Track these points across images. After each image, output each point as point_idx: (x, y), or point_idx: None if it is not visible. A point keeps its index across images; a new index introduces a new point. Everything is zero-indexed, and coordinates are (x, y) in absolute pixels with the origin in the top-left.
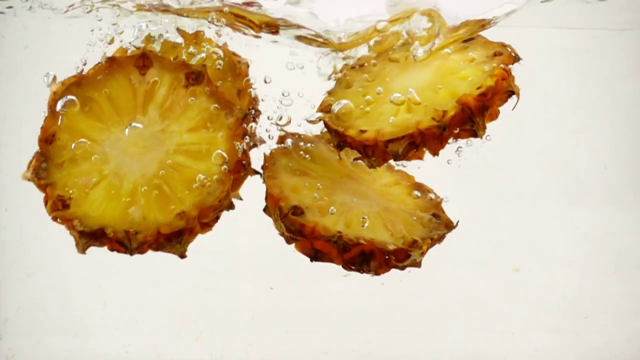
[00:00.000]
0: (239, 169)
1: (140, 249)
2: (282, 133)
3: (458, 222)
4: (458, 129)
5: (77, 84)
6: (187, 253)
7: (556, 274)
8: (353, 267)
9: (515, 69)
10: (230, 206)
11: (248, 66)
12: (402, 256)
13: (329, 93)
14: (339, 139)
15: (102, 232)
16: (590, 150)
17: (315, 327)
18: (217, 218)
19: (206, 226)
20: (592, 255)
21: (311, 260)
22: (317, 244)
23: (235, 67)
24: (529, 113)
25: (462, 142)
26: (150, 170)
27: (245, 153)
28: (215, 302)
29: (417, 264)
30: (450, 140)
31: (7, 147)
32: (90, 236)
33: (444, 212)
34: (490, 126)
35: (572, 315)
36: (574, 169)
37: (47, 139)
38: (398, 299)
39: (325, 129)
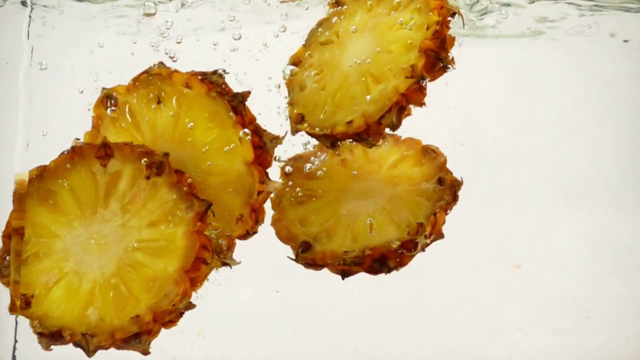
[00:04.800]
0: (198, 267)
1: (100, 348)
2: (282, 163)
3: (462, 179)
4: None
5: (40, 177)
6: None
7: (557, 274)
8: (378, 272)
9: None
10: (189, 307)
11: (269, 194)
12: (410, 246)
13: (289, 104)
14: (330, 140)
15: (60, 334)
16: (590, 150)
17: (316, 326)
18: (181, 314)
19: (169, 323)
20: (592, 255)
21: (342, 279)
22: (337, 266)
23: (253, 195)
24: (530, 113)
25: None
26: (109, 269)
27: (206, 249)
28: (217, 299)
29: (440, 236)
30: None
31: (5, 144)
32: (50, 337)
33: (448, 171)
34: (493, 125)
35: (573, 315)
36: (575, 169)
37: (11, 235)
38: (399, 298)
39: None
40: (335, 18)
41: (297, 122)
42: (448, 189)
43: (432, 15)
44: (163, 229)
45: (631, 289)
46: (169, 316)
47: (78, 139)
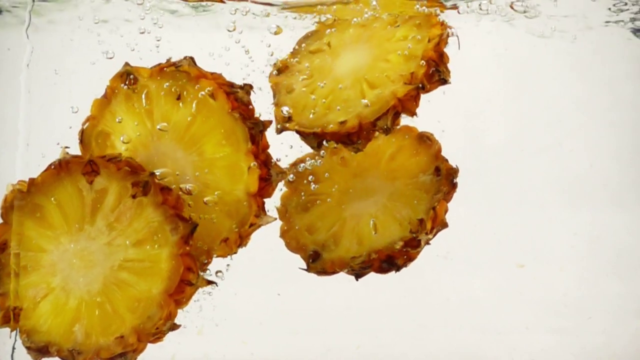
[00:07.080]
0: (182, 289)
1: None
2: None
3: (457, 167)
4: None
5: (27, 191)
6: None
7: (558, 274)
8: (388, 271)
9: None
10: (173, 327)
11: (259, 227)
12: (414, 243)
13: (276, 105)
14: (318, 139)
15: (47, 349)
16: (591, 150)
17: (318, 325)
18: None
19: (155, 340)
20: (593, 254)
21: (356, 280)
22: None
23: (245, 224)
24: (530, 113)
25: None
26: (95, 287)
27: (191, 270)
28: (217, 298)
29: (444, 226)
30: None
31: (5, 144)
32: (37, 352)
33: (443, 160)
34: (494, 126)
35: (574, 315)
36: (575, 169)
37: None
38: (401, 297)
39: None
40: (326, 30)
41: (285, 121)
42: (445, 179)
43: (434, 29)
44: (148, 249)
45: (632, 289)
46: (153, 337)
47: (67, 148)
